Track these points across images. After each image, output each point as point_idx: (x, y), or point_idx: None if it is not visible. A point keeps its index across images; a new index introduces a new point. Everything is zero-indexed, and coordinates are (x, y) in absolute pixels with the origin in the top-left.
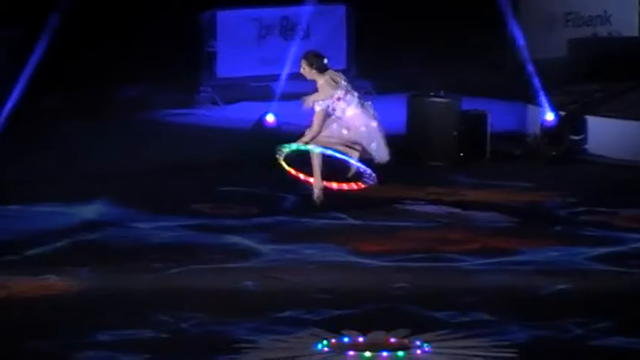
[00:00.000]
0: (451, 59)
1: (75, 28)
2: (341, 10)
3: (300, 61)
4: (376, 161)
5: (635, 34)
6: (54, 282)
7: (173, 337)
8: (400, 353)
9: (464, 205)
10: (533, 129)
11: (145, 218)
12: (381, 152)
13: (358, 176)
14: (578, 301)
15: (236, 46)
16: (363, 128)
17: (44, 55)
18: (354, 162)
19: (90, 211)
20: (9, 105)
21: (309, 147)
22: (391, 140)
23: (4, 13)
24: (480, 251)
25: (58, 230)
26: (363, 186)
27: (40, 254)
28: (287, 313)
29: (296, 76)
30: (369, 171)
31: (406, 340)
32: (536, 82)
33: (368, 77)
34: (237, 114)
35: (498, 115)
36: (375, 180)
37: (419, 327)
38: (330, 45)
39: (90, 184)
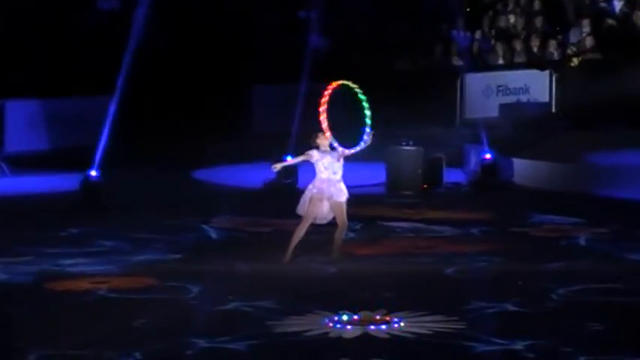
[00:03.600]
0: (416, 120)
1: None
2: None
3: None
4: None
5: (547, 100)
6: None
7: None
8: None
9: (427, 221)
10: (475, 167)
11: None
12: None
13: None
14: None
15: None
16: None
17: None
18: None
19: None
20: None
21: None
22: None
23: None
24: (437, 254)
25: None
26: None
27: None
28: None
29: None
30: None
31: (387, 317)
32: (479, 133)
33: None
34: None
35: (449, 157)
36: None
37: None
38: None
39: None
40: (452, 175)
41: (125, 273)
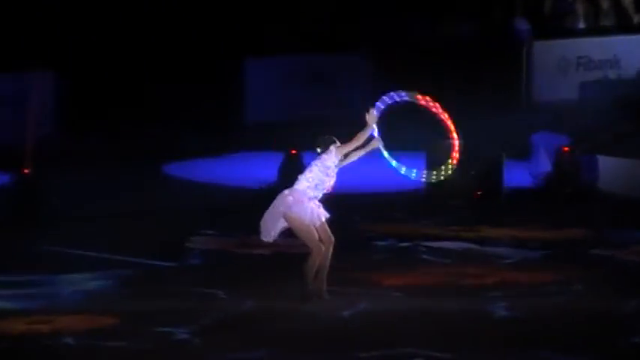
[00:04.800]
0: (466, 103)
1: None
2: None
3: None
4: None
5: None
6: None
7: None
8: None
9: (480, 240)
10: (547, 167)
11: None
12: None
13: None
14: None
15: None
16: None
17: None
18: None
19: None
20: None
21: None
22: (415, 182)
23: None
24: (492, 285)
25: None
26: None
27: None
28: None
29: None
30: None
31: None
32: (552, 121)
33: None
34: None
35: (511, 155)
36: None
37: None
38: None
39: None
40: (514, 178)
41: (73, 309)
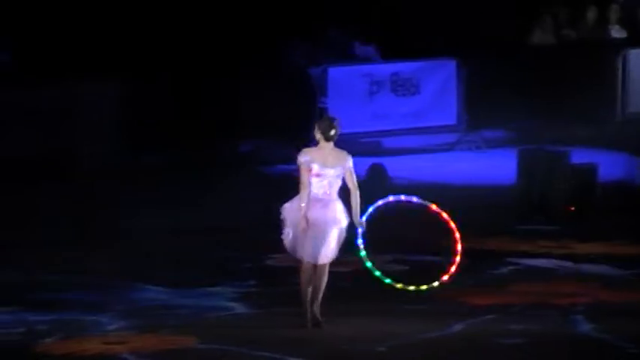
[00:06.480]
0: (558, 112)
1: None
2: (451, 65)
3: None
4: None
5: None
6: None
7: None
8: None
9: (574, 258)
10: None
11: None
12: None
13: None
14: None
15: (347, 101)
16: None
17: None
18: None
19: None
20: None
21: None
22: (502, 192)
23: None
24: (589, 305)
25: None
26: None
27: None
28: None
29: (407, 132)
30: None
31: None
32: None
33: (477, 130)
34: None
35: (606, 168)
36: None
37: None
38: (440, 100)
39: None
40: (609, 192)
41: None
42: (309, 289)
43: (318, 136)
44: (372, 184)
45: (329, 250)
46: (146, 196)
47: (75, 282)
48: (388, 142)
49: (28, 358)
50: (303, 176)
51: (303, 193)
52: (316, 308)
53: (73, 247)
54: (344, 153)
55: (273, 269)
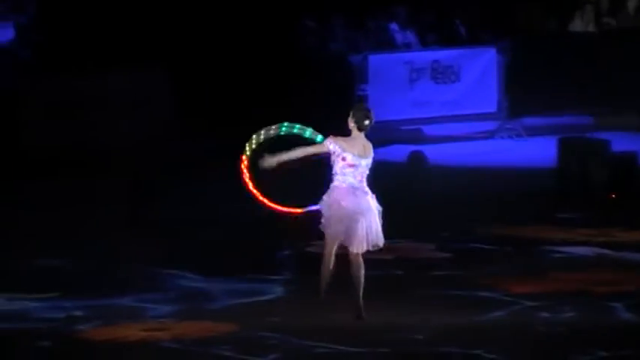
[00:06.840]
0: (598, 100)
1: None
2: (491, 52)
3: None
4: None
5: None
6: None
7: None
8: None
9: (615, 246)
10: None
11: None
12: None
13: None
14: None
15: (387, 89)
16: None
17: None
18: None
19: None
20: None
21: None
22: (542, 180)
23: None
24: (630, 293)
25: None
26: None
27: None
28: None
29: (447, 119)
30: None
31: None
32: None
33: (518, 118)
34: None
35: None
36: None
37: None
38: (480, 87)
39: None
40: None
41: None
42: (327, 279)
43: (351, 125)
44: (412, 171)
45: (362, 239)
46: (187, 185)
47: (113, 269)
48: (428, 130)
49: (69, 344)
50: (320, 151)
51: (301, 151)
52: (360, 301)
53: (114, 234)
54: (370, 144)
55: (314, 257)
